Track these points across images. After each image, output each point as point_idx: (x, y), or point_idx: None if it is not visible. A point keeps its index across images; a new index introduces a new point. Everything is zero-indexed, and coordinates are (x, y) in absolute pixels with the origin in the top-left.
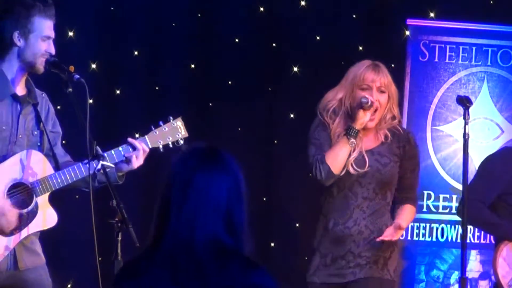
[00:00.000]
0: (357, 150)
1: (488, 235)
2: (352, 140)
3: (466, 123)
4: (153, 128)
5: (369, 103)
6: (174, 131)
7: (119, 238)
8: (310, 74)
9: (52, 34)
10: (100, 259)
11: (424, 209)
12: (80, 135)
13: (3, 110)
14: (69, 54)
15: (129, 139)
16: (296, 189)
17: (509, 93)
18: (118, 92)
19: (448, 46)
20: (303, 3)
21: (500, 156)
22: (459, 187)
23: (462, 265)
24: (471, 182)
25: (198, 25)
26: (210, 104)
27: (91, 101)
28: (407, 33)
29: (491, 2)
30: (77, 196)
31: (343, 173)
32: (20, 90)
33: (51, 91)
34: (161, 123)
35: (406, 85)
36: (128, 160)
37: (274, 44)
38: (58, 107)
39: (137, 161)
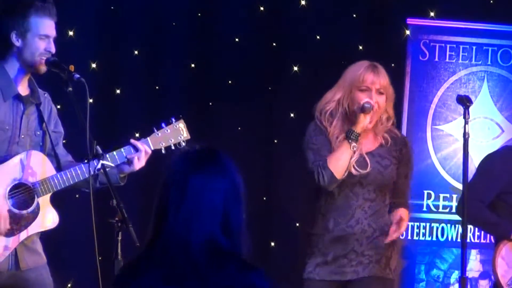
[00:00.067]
0: (357, 152)
1: (488, 235)
2: (354, 144)
3: (466, 123)
4: (155, 130)
5: (372, 108)
6: (176, 133)
7: (119, 238)
8: (310, 74)
9: (51, 32)
10: (100, 258)
11: (424, 209)
12: (80, 135)
13: (6, 110)
14: (69, 54)
15: (132, 141)
16: (296, 189)
17: (509, 93)
18: (118, 91)
19: (448, 46)
20: (303, 3)
21: (500, 155)
22: (459, 186)
23: (462, 265)
24: (471, 181)
25: (198, 25)
26: (210, 104)
27: (91, 100)
28: (407, 32)
29: (491, 1)
30: (77, 196)
31: (345, 175)
32: (23, 90)
33: (51, 90)
34: (163, 125)
35: (406, 84)
36: (130, 162)
37: (274, 44)
38: (58, 106)
39: (139, 163)
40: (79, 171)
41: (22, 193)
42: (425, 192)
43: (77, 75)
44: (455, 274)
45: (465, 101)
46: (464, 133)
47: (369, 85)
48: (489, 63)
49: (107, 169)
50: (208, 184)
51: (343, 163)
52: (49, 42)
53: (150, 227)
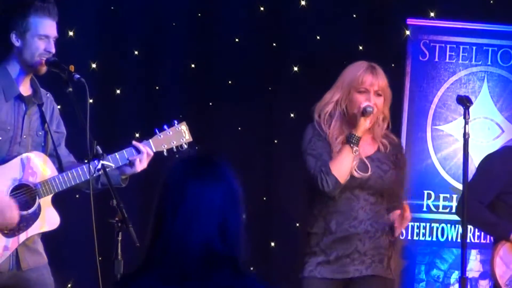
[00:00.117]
0: (357, 157)
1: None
2: (356, 148)
3: (466, 123)
4: (157, 132)
5: (374, 111)
6: (179, 135)
7: (119, 238)
8: (310, 74)
9: (51, 32)
10: (100, 258)
11: (424, 209)
12: (80, 135)
13: (8, 111)
14: (69, 54)
15: (134, 142)
16: (296, 189)
17: (509, 93)
18: (118, 91)
19: (448, 46)
20: (303, 3)
21: (499, 155)
22: (459, 186)
23: (462, 265)
24: (470, 181)
25: (198, 25)
26: (210, 104)
27: (91, 100)
28: (407, 32)
29: (491, 1)
30: (77, 196)
31: (347, 179)
32: (25, 90)
33: (51, 90)
34: (165, 127)
35: (406, 84)
36: (131, 163)
37: (274, 44)
38: (58, 106)
39: (141, 165)
40: (80, 172)
41: (24, 194)
42: (425, 192)
43: (77, 75)
44: (455, 274)
45: (465, 101)
46: (464, 133)
47: (367, 87)
48: (489, 63)
49: (107, 169)
50: (206, 190)
51: (346, 168)
52: (49, 42)
53: (149, 232)
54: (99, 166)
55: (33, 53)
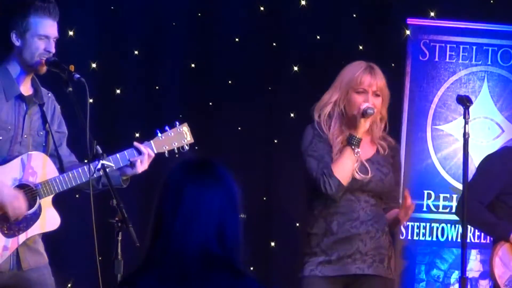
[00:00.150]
0: (359, 159)
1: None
2: (357, 149)
3: (466, 123)
4: (158, 133)
5: (374, 112)
6: (180, 136)
7: (119, 238)
8: (310, 74)
9: (51, 33)
10: (100, 258)
11: (424, 209)
12: (80, 135)
13: (9, 110)
14: (69, 54)
15: (135, 144)
16: (296, 189)
17: (510, 93)
18: (118, 91)
19: (448, 46)
20: (303, 3)
21: (499, 156)
22: (460, 186)
23: (462, 265)
24: (470, 181)
25: (198, 25)
26: (210, 104)
27: (91, 100)
28: (408, 32)
29: (492, 1)
30: (77, 196)
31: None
32: (26, 90)
33: (51, 90)
34: (167, 128)
35: (406, 84)
36: (132, 165)
37: (274, 44)
38: (59, 106)
39: (142, 166)
40: (81, 173)
41: (25, 194)
42: (425, 192)
43: (77, 75)
44: (455, 274)
45: (465, 101)
46: (464, 133)
47: (366, 87)
48: (489, 63)
49: (107, 169)
50: (205, 193)
51: (348, 170)
52: (49, 42)
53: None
54: (99, 166)
55: (33, 53)
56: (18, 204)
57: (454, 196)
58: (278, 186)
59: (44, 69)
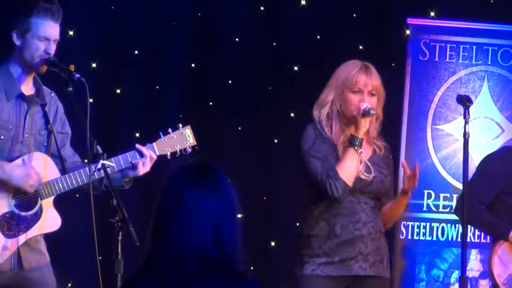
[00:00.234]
0: (362, 159)
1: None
2: (360, 150)
3: (466, 122)
4: (161, 135)
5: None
6: (183, 138)
7: (119, 237)
8: (311, 74)
9: (51, 34)
10: (100, 258)
11: (425, 208)
12: (80, 134)
13: (10, 110)
14: (70, 53)
15: (137, 146)
16: (296, 189)
17: (510, 92)
18: (118, 91)
19: (448, 45)
20: (303, 3)
21: (499, 156)
22: (460, 186)
23: (463, 264)
24: (470, 181)
25: (198, 25)
26: (210, 103)
27: (91, 100)
28: (408, 32)
29: (492, 1)
30: (77, 195)
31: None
32: (27, 89)
33: (51, 90)
34: (169, 130)
35: (406, 84)
36: (134, 167)
37: (274, 44)
38: (62, 106)
39: (144, 168)
40: (83, 174)
41: (25, 195)
42: (425, 191)
43: (77, 75)
44: (455, 274)
45: (465, 101)
46: (464, 133)
47: (361, 87)
48: (489, 63)
49: (108, 169)
50: (202, 199)
51: (353, 171)
52: (49, 44)
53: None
54: (99, 166)
55: (33, 54)
56: (32, 182)
57: (454, 196)
58: (278, 186)
59: (44, 68)
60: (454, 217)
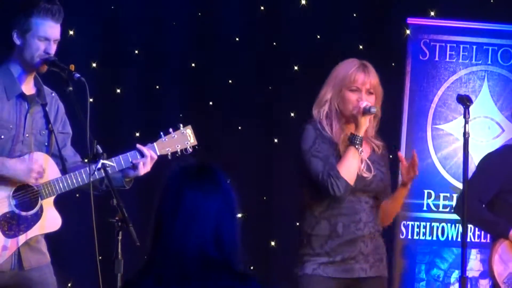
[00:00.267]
0: (363, 158)
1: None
2: (361, 149)
3: (466, 122)
4: (162, 135)
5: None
6: (183, 138)
7: (120, 237)
8: (311, 73)
9: (52, 35)
10: (100, 258)
11: (425, 208)
12: (80, 134)
13: (10, 109)
14: (70, 53)
15: (138, 146)
16: (296, 188)
17: (510, 92)
18: (118, 91)
19: (448, 45)
20: (303, 2)
21: (499, 154)
22: (460, 186)
23: (463, 264)
24: (470, 180)
25: (198, 25)
26: (210, 103)
27: (91, 100)
28: (408, 32)
29: (492, 1)
30: (77, 195)
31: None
32: (28, 89)
33: (51, 89)
34: (170, 130)
35: (406, 84)
36: (135, 167)
37: (274, 44)
38: (63, 106)
39: (144, 168)
40: (83, 174)
41: (26, 195)
42: (425, 191)
43: (78, 75)
44: (456, 274)
45: (465, 101)
46: (464, 132)
47: (359, 85)
48: (489, 62)
49: (108, 168)
50: (201, 199)
51: (354, 170)
52: (49, 44)
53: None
54: (99, 166)
55: (33, 54)
56: (35, 175)
57: (454, 195)
58: (278, 186)
59: (44, 68)
60: (454, 216)
